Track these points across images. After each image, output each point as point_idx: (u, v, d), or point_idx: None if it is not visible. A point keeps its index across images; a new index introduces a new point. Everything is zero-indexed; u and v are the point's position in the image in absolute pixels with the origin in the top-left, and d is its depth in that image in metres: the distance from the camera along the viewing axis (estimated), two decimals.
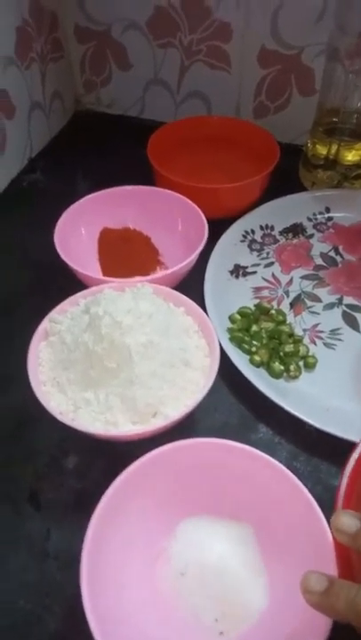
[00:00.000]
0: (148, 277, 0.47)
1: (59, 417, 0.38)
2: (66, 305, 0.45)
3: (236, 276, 0.56)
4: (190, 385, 0.40)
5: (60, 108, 0.78)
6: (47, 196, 0.68)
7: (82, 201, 0.55)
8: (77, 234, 0.55)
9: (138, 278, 0.48)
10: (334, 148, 0.62)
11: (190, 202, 0.54)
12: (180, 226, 0.56)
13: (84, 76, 0.78)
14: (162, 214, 0.57)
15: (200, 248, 0.50)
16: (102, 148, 0.75)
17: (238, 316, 0.51)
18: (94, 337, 0.39)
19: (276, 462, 0.35)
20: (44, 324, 0.43)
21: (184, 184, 0.56)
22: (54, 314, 0.44)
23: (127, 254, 0.57)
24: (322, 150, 0.63)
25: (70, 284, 0.49)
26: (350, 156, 0.63)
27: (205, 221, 0.52)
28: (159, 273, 0.55)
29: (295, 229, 0.61)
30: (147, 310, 0.39)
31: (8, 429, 0.45)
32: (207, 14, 0.65)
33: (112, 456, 0.42)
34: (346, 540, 0.28)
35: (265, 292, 0.55)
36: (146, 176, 0.61)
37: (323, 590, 0.26)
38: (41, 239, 0.54)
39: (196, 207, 0.54)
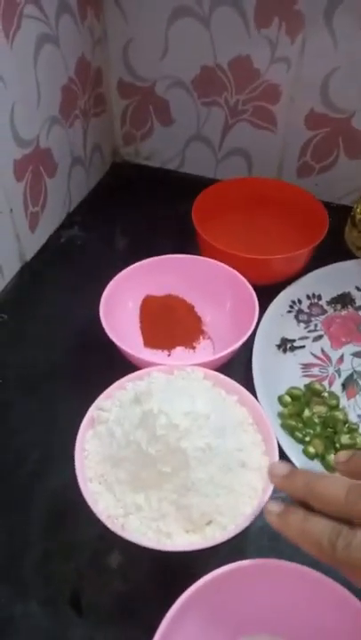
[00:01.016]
0: (199, 362, 0.45)
1: (107, 523, 0.35)
2: (112, 389, 0.43)
3: (284, 351, 0.54)
4: (248, 489, 0.37)
5: (99, 160, 0.77)
6: (86, 254, 0.66)
7: (126, 271, 0.53)
8: (122, 305, 0.53)
9: (184, 355, 0.46)
10: None
11: (239, 275, 0.52)
12: (227, 297, 0.54)
13: (125, 129, 0.77)
14: (208, 284, 0.55)
15: (251, 329, 0.47)
16: (139, 201, 0.74)
17: (289, 399, 0.49)
18: (148, 437, 0.36)
19: (339, 587, 0.32)
20: (91, 412, 0.41)
21: (231, 253, 0.54)
22: (101, 401, 0.42)
23: (170, 323, 0.55)
24: None
25: (113, 352, 0.48)
26: None
27: (256, 300, 0.50)
28: (206, 352, 0.54)
29: (343, 300, 0.59)
30: (204, 412, 0.36)
31: (47, 521, 0.43)
32: (256, 76, 0.64)
33: (158, 556, 0.39)
34: (279, 483, 0.31)
35: (315, 370, 0.53)
36: (183, 230, 0.59)
37: (285, 474, 0.31)
38: (80, 303, 0.53)
39: (245, 282, 0.52)
